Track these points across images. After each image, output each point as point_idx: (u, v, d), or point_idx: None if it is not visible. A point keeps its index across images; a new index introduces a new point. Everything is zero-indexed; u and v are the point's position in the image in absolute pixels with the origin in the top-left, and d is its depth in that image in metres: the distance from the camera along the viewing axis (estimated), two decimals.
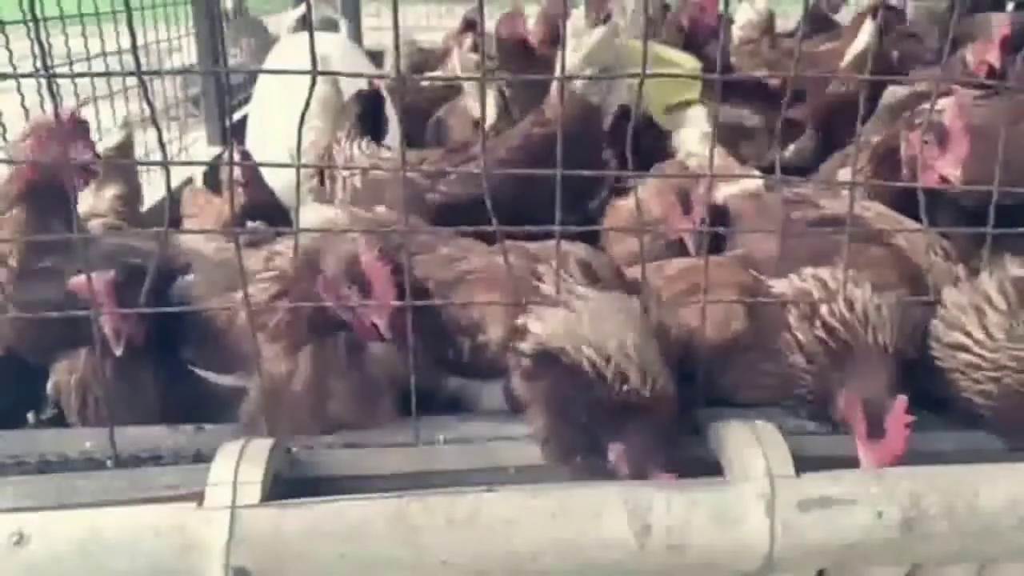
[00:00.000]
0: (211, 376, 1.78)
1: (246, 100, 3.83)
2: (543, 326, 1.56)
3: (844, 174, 2.36)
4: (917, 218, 1.76)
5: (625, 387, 1.46)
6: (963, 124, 1.81)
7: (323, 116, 2.91)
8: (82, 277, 1.51)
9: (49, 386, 1.89)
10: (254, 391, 1.66)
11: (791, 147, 3.01)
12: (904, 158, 2.00)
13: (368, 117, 2.90)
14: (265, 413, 1.58)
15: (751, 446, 1.43)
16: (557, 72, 2.05)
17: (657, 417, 1.47)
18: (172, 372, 1.80)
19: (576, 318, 1.55)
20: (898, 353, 1.60)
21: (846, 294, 1.61)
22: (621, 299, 1.63)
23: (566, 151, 1.47)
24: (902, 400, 1.46)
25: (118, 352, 1.67)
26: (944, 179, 1.85)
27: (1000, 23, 2.73)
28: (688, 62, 3.68)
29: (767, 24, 4.27)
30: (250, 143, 3.44)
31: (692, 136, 2.57)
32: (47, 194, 1.87)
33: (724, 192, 2.20)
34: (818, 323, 1.62)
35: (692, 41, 3.82)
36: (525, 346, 1.57)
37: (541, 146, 2.44)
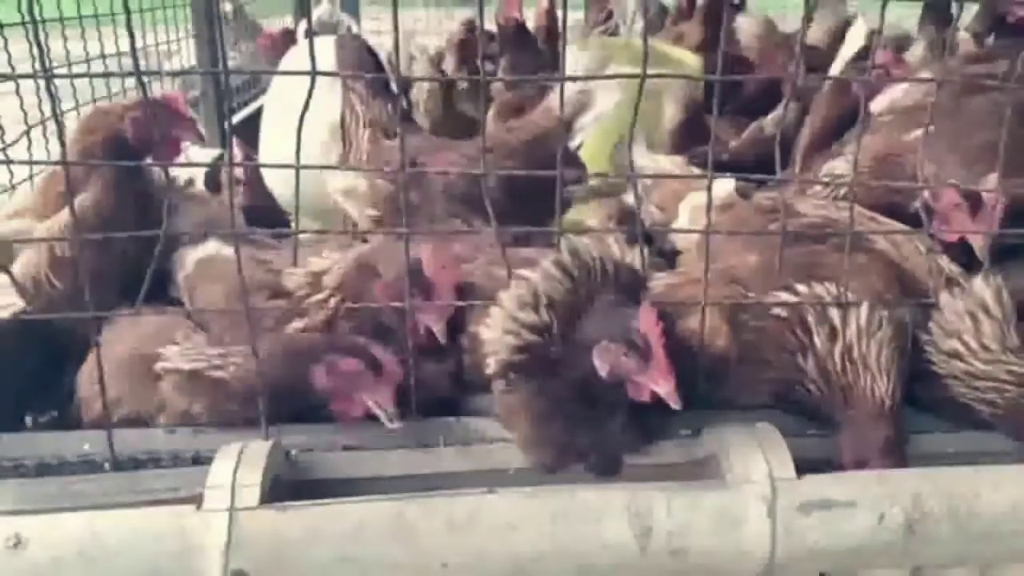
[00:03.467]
0: None
1: (245, 103, 3.83)
2: (489, 331, 1.52)
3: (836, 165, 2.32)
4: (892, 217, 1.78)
5: (551, 300, 1.42)
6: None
7: None
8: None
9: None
10: None
11: (768, 117, 2.98)
12: (923, 204, 1.90)
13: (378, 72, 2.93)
14: None
15: (752, 448, 1.43)
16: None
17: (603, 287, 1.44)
18: None
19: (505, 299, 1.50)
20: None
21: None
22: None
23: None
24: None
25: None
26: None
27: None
28: (691, 60, 3.68)
29: (767, 31, 4.61)
30: (266, 147, 3.42)
31: (639, 148, 2.57)
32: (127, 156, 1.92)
33: (696, 201, 2.13)
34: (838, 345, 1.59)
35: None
36: (490, 361, 1.52)
37: (505, 154, 2.46)
